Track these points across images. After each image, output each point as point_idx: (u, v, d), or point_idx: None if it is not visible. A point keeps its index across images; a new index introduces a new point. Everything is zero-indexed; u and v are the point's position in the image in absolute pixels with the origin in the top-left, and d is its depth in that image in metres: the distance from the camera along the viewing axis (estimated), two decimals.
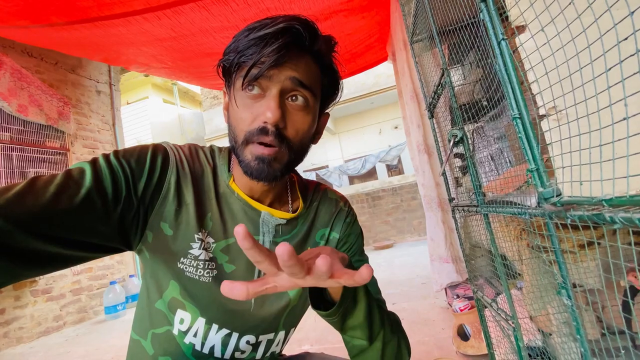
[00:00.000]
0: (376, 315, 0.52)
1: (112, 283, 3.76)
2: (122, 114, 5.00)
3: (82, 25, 1.83)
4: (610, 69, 0.38)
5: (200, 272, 0.55)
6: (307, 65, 0.51)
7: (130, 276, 4.26)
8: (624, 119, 0.36)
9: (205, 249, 0.55)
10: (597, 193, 0.42)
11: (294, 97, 0.51)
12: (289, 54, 0.48)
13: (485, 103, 1.12)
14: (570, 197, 0.47)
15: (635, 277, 0.80)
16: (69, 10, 1.70)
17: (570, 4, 0.43)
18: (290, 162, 0.53)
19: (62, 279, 3.61)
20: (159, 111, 10.03)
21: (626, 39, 0.35)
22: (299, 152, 0.54)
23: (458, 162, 2.01)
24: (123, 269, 4.36)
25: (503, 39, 0.58)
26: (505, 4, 0.59)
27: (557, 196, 0.52)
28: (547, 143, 0.54)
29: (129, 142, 8.65)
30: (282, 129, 0.50)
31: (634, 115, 0.35)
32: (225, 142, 9.16)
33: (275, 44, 0.46)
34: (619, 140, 0.37)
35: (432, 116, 1.39)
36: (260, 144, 0.49)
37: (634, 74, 0.35)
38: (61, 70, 4.03)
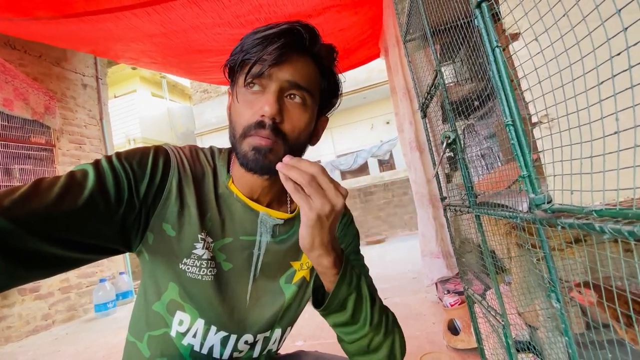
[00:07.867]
0: (367, 320, 0.56)
1: (101, 280, 3.71)
2: (110, 108, 4.88)
3: (68, 20, 1.78)
4: (602, 82, 0.39)
5: (203, 271, 0.56)
6: (306, 66, 0.54)
7: (120, 273, 4.21)
8: (615, 132, 0.37)
9: (207, 248, 0.57)
10: (587, 199, 0.43)
11: (292, 96, 0.53)
12: (290, 54, 0.51)
13: (477, 103, 1.13)
14: (561, 204, 0.49)
15: (580, 292, 0.79)
16: (55, 4, 1.64)
17: (563, 16, 0.44)
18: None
19: (50, 277, 3.54)
20: (147, 105, 9.83)
21: (619, 54, 0.36)
22: (295, 149, 0.55)
23: (449, 155, 2.03)
24: (113, 266, 4.31)
25: (497, 46, 0.58)
26: (499, 11, 0.59)
27: (548, 203, 0.53)
28: (540, 150, 0.55)
29: (117, 137, 8.47)
30: (278, 124, 0.52)
31: (625, 130, 0.36)
32: (215, 137, 9.07)
33: (277, 42, 0.49)
34: (610, 153, 0.38)
35: (424, 116, 1.40)
36: (258, 136, 0.52)
37: (626, 89, 0.35)
38: (45, 63, 3.91)
